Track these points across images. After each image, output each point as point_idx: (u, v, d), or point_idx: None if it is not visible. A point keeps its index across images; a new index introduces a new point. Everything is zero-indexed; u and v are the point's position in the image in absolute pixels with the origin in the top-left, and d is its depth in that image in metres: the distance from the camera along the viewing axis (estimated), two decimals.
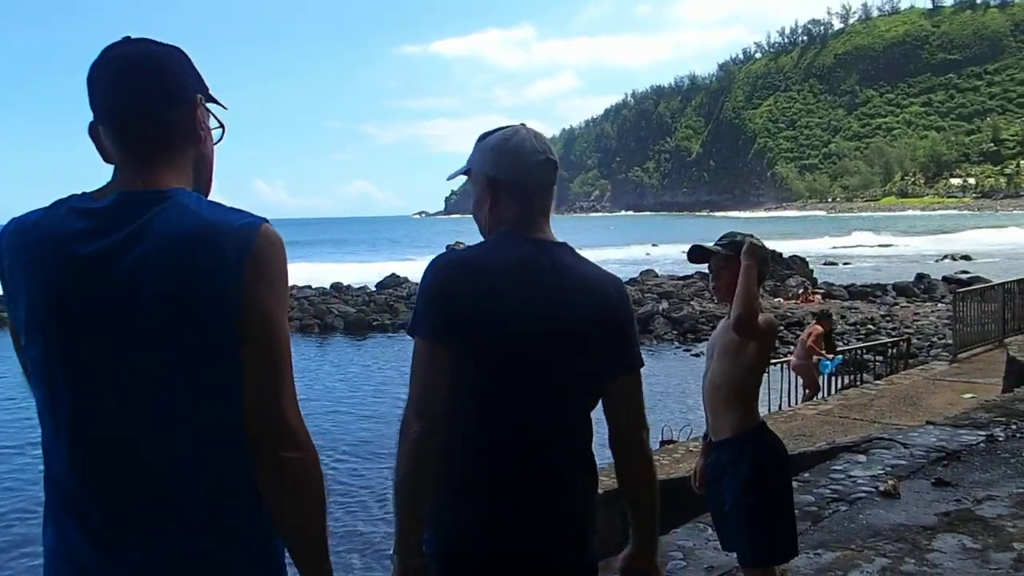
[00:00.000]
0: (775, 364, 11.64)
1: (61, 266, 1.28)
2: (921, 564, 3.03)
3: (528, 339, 1.71)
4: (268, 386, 1.30)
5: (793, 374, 11.57)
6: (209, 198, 1.42)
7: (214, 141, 1.49)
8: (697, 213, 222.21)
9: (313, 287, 30.24)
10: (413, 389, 1.68)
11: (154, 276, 1.25)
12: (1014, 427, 4.96)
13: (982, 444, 4.62)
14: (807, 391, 11.74)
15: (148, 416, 1.29)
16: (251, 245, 1.28)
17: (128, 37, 1.41)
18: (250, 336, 1.28)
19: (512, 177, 1.80)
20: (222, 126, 1.50)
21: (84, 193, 1.35)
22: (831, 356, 12.24)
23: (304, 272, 34.80)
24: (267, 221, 1.33)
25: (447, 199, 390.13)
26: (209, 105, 1.47)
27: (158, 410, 1.29)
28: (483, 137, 1.86)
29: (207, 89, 1.46)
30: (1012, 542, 3.20)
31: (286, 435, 1.30)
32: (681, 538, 3.64)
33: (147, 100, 1.35)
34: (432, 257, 1.79)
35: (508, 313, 1.69)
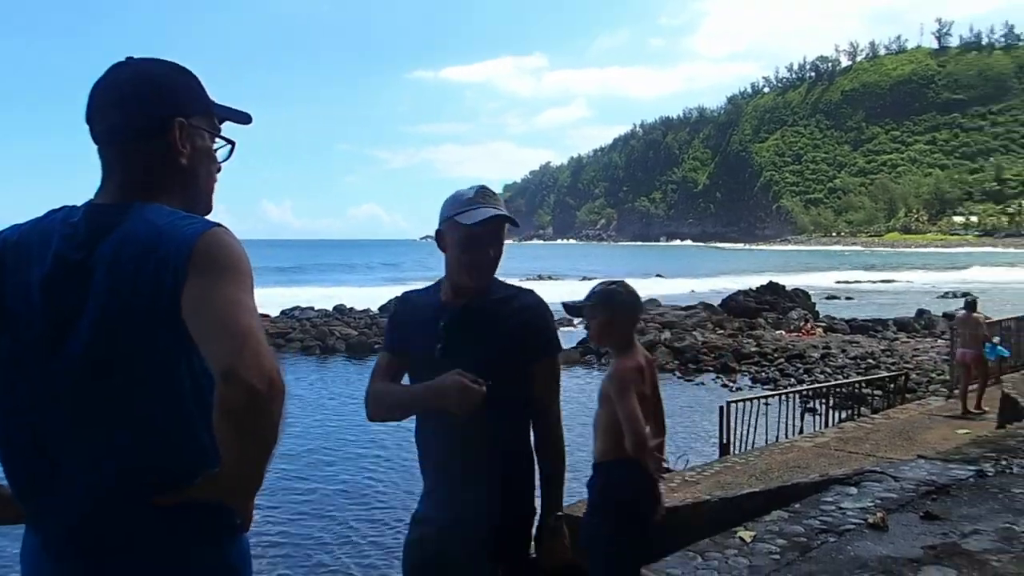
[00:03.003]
0: (774, 395, 11.69)
1: (48, 264, 1.40)
2: None
3: None
4: (229, 332, 1.28)
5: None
6: (206, 212, 1.53)
7: (221, 159, 1.61)
8: (704, 244, 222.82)
9: (316, 309, 30.35)
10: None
11: (107, 280, 1.36)
12: (1004, 463, 5.00)
13: (971, 479, 4.65)
14: (967, 384, 11.03)
15: (93, 415, 1.37)
16: (192, 246, 1.34)
17: (130, 58, 1.53)
18: (197, 317, 1.31)
19: None
20: (231, 143, 1.61)
21: (73, 206, 1.48)
22: (996, 340, 11.80)
23: (307, 294, 34.87)
24: (220, 226, 1.40)
25: None
26: (222, 122, 1.59)
27: (102, 408, 1.37)
28: (500, 198, 2.42)
29: (200, 107, 1.56)
30: None
31: (251, 359, 1.25)
32: (671, 566, 3.66)
33: (115, 128, 1.49)
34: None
35: None
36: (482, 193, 2.38)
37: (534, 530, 2.43)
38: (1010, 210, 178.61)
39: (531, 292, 2.48)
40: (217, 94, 1.60)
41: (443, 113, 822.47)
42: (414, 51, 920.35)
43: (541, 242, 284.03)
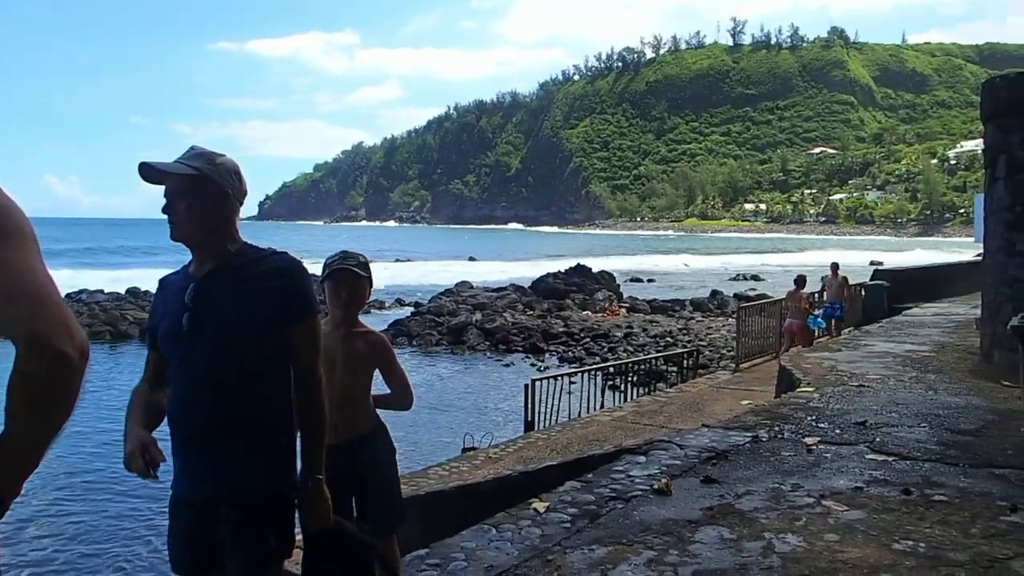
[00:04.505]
0: (577, 372, 12.07)
1: None
2: (683, 555, 3.21)
3: None
4: (29, 297, 1.20)
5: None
6: None
7: None
8: (525, 228, 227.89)
9: (106, 292, 28.51)
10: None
11: None
12: (776, 429, 5.39)
13: (748, 444, 4.98)
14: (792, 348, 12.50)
15: None
16: None
17: None
18: None
19: (241, 199, 2.40)
20: None
21: None
22: (817, 312, 13.87)
23: (97, 276, 32.72)
24: None
25: (261, 204, 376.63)
26: None
27: None
28: (208, 156, 2.30)
29: None
30: (763, 532, 3.45)
31: (62, 327, 1.19)
32: (466, 540, 3.67)
33: None
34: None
35: None
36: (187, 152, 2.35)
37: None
38: (793, 199, 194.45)
39: (284, 254, 2.40)
40: None
41: (250, 87, 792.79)
42: (217, 21, 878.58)
43: (359, 223, 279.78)
